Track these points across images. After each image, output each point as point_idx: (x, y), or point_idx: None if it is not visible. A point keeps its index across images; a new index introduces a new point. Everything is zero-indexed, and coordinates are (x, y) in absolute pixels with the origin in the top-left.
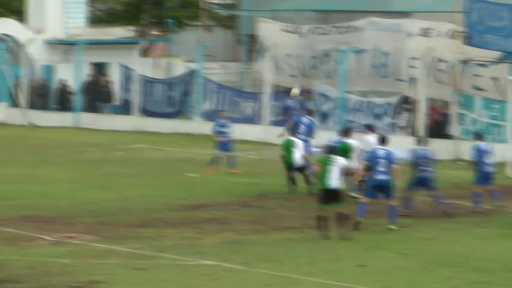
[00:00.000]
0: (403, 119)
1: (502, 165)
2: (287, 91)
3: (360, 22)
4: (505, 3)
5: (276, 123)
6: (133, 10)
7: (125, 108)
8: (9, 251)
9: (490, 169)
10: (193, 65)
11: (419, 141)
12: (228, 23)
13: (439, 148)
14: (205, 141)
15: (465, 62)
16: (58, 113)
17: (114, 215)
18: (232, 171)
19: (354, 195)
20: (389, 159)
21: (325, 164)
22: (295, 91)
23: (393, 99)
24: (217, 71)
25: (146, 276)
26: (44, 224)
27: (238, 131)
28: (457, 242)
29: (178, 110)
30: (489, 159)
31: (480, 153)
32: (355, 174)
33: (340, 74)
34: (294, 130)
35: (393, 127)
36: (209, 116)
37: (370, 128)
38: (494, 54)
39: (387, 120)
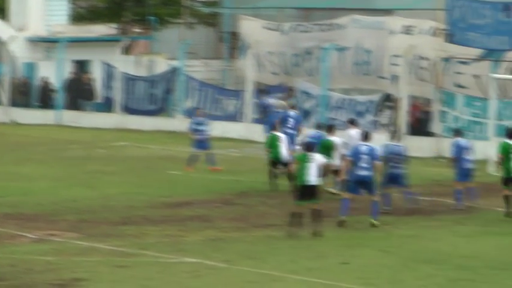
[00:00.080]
0: (385, 117)
1: (483, 162)
2: (264, 89)
3: (342, 20)
4: (487, 1)
5: (257, 121)
6: (116, 8)
7: (107, 106)
8: None
9: (469, 165)
10: (175, 63)
11: (393, 137)
12: (210, 20)
13: (420, 145)
14: (187, 138)
15: (447, 60)
16: (40, 110)
17: (96, 212)
18: (214, 168)
19: (333, 191)
20: (371, 155)
21: (303, 161)
22: (283, 103)
23: (375, 97)
24: (199, 69)
25: (128, 274)
26: (26, 221)
27: (220, 129)
28: (438, 239)
29: (161, 108)
30: (469, 156)
31: (460, 149)
32: (339, 172)
33: (322, 72)
34: (282, 125)
35: (375, 125)
36: (191, 113)
37: (352, 123)
38: (476, 52)
39: (369, 117)
